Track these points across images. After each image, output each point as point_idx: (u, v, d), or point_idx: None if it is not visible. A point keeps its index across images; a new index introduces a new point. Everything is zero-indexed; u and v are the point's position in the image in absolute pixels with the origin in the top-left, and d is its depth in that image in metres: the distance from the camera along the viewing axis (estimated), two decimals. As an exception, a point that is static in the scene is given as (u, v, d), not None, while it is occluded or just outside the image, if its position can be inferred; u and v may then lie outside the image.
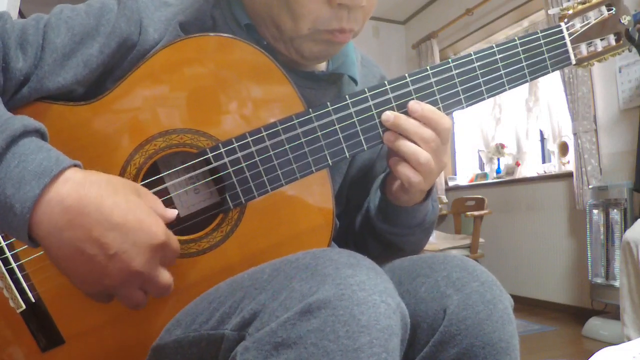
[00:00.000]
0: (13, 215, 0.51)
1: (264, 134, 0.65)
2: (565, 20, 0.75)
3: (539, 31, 0.74)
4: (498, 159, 4.40)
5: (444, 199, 4.44)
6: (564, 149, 3.67)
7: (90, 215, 0.52)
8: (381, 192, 0.78)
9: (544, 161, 4.07)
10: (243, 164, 0.65)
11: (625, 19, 0.74)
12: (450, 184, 4.68)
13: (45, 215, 0.52)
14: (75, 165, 0.55)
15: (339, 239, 0.87)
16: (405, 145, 0.67)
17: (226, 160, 0.65)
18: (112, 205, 0.53)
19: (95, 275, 0.54)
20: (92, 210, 0.52)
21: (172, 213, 0.60)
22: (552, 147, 3.85)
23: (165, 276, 0.58)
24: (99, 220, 0.52)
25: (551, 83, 3.68)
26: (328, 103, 0.67)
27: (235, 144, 0.65)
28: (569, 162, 3.61)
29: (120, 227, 0.53)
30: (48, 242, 0.53)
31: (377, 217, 0.78)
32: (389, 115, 0.68)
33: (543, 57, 0.73)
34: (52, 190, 0.52)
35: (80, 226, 0.52)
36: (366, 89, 0.68)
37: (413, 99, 0.69)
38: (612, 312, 2.80)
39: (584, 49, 0.76)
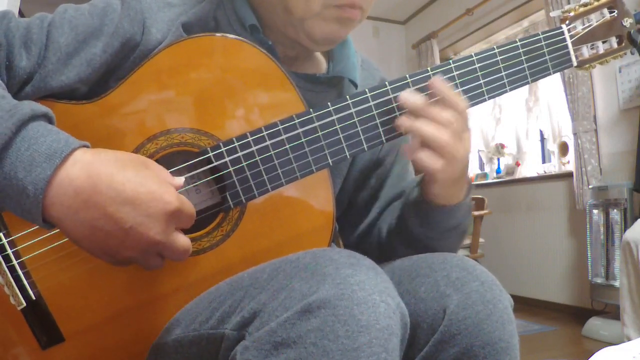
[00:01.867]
0: (26, 198, 0.52)
1: (265, 133, 0.65)
2: (567, 22, 0.75)
3: (540, 33, 0.74)
4: (498, 159, 4.40)
5: (444, 198, 4.43)
6: (564, 149, 3.67)
7: (103, 193, 0.53)
8: (419, 193, 0.75)
9: (544, 161, 4.07)
10: (244, 163, 0.66)
11: (627, 22, 0.74)
12: (451, 183, 4.67)
13: (57, 197, 0.53)
14: (84, 146, 0.56)
15: (355, 247, 0.86)
16: (424, 128, 0.65)
17: (227, 159, 0.65)
18: (122, 181, 0.54)
19: (115, 249, 0.55)
20: (104, 188, 0.53)
21: (179, 180, 0.60)
22: (552, 147, 3.85)
23: (182, 241, 0.58)
24: (111, 197, 0.53)
25: (551, 83, 3.67)
26: (329, 103, 0.67)
27: (236, 144, 0.65)
28: (569, 162, 3.62)
29: (133, 200, 0.54)
30: (64, 224, 0.54)
31: (413, 222, 0.76)
32: (406, 95, 0.67)
33: (544, 58, 0.73)
34: (63, 171, 0.53)
35: (94, 205, 0.53)
36: (367, 90, 0.68)
37: (414, 99, 0.69)
38: (612, 312, 2.81)
39: (585, 51, 0.76)
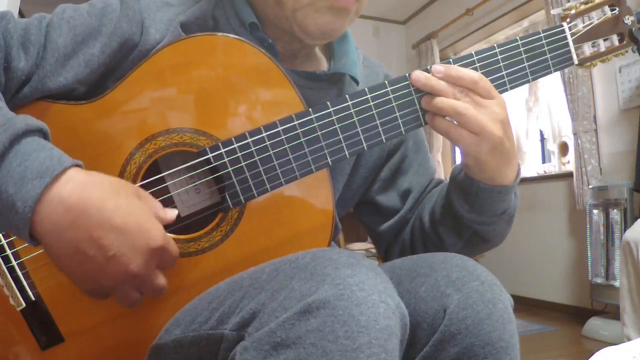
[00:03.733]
0: (15, 214, 0.51)
1: (264, 134, 0.65)
2: (568, 20, 0.75)
3: (540, 31, 0.73)
4: (498, 159, 4.38)
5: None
6: (564, 149, 3.67)
7: (92, 216, 0.53)
8: (466, 176, 0.74)
9: (544, 161, 4.07)
10: (242, 164, 0.65)
11: (629, 19, 0.74)
12: (451, 183, 4.67)
13: (46, 214, 0.52)
14: (76, 165, 0.55)
15: (390, 242, 0.87)
16: (442, 101, 0.66)
17: (226, 159, 0.65)
18: (113, 208, 0.54)
19: (94, 275, 0.55)
20: (94, 212, 0.53)
21: (172, 213, 0.61)
22: (552, 147, 3.85)
23: (160, 279, 0.59)
24: (100, 222, 0.53)
25: (551, 83, 3.67)
26: (328, 103, 0.67)
27: (235, 144, 0.65)
28: (569, 162, 3.61)
29: (121, 230, 0.54)
30: (49, 241, 0.53)
31: (463, 208, 0.75)
32: (419, 75, 0.68)
33: (545, 57, 0.73)
34: (54, 189, 0.52)
35: (82, 227, 0.52)
36: (366, 89, 0.68)
37: (413, 98, 0.69)
38: (612, 312, 2.80)
39: (586, 49, 0.75)
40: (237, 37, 0.68)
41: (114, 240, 0.53)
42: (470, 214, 0.75)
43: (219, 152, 0.65)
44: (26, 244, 0.63)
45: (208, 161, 0.65)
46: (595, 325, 2.76)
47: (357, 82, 0.81)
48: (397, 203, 0.87)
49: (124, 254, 0.54)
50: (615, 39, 0.75)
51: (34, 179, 0.52)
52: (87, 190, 0.53)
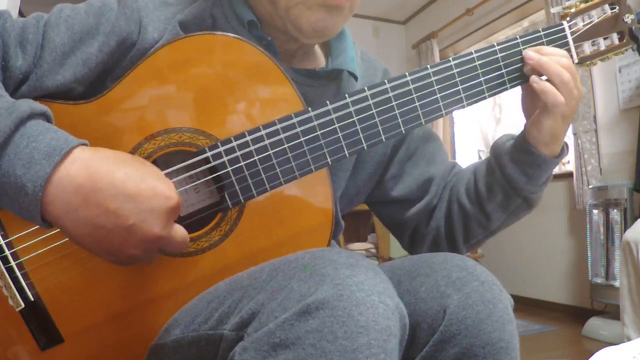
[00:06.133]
0: (25, 195, 0.52)
1: (263, 132, 0.65)
2: (568, 19, 0.75)
3: (540, 29, 0.73)
4: (498, 159, 4.38)
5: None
6: (564, 148, 3.67)
7: (104, 190, 0.53)
8: (527, 145, 0.76)
9: (544, 161, 4.07)
10: (242, 163, 0.65)
11: (629, 18, 0.74)
12: (451, 183, 4.67)
13: (57, 195, 0.52)
14: (82, 144, 0.56)
15: (420, 227, 0.87)
16: (551, 63, 0.69)
17: (225, 159, 0.65)
18: (123, 177, 0.54)
19: (118, 247, 0.55)
20: (105, 185, 0.53)
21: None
22: (552, 147, 3.84)
23: (181, 232, 0.59)
24: (113, 194, 0.53)
25: (551, 83, 3.67)
26: (327, 102, 0.67)
27: (234, 143, 0.65)
28: (569, 162, 3.61)
29: (136, 197, 0.54)
30: (64, 223, 0.54)
31: (521, 180, 0.77)
32: (532, 55, 0.71)
33: None
34: (62, 169, 0.53)
35: (96, 203, 0.53)
36: (366, 88, 0.68)
37: (413, 97, 0.68)
38: (612, 312, 2.80)
39: (586, 47, 0.75)
40: (235, 36, 0.67)
41: (132, 209, 0.54)
42: (527, 184, 0.77)
43: (218, 151, 0.65)
44: (25, 245, 0.63)
45: (207, 160, 0.65)
46: (595, 325, 2.76)
47: (355, 78, 0.80)
48: (414, 191, 0.86)
49: (144, 219, 0.54)
50: (615, 37, 0.75)
51: (42, 159, 0.52)
52: (94, 166, 0.54)
